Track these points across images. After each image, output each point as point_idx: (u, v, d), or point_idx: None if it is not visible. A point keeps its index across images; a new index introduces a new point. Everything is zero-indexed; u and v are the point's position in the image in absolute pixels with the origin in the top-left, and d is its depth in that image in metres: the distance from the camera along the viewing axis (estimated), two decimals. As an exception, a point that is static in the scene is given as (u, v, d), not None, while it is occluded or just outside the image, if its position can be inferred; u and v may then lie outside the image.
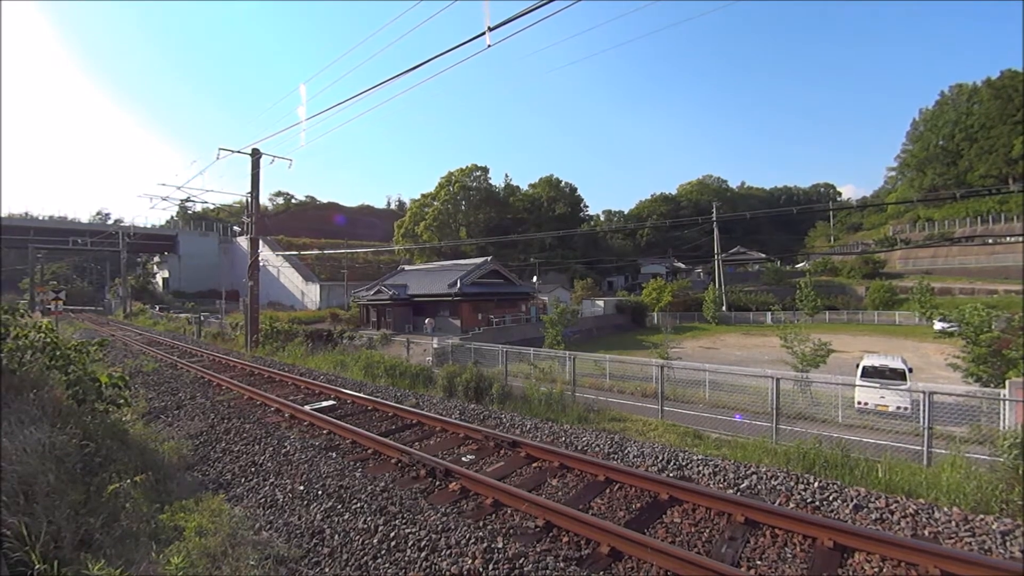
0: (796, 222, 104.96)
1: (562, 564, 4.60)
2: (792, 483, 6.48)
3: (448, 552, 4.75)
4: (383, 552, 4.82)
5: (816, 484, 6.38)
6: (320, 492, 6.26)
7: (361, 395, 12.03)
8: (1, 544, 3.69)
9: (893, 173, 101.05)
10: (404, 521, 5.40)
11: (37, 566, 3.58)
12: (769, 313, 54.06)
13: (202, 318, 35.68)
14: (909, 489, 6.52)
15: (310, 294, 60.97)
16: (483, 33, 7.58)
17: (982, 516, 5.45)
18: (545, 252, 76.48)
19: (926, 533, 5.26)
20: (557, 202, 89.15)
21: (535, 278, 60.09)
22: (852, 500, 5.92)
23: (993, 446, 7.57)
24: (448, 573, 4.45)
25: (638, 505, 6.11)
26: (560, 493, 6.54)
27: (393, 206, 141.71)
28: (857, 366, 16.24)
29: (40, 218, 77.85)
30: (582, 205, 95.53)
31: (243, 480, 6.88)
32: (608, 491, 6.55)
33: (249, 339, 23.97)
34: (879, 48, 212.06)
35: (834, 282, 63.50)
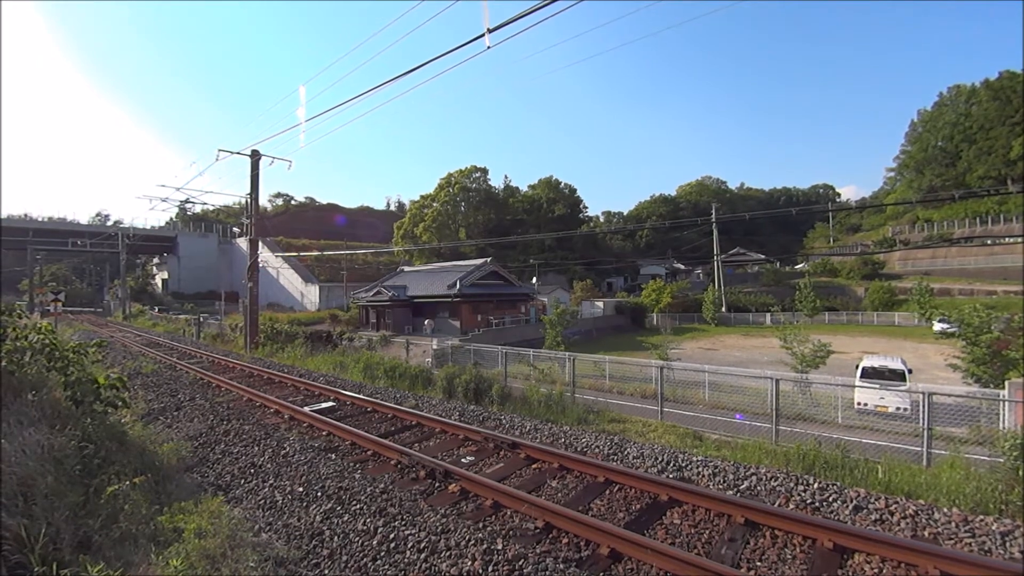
0: (795, 223, 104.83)
1: (562, 565, 4.60)
2: (792, 484, 6.48)
3: (448, 553, 4.75)
4: (383, 554, 4.82)
5: (816, 485, 6.39)
6: (319, 493, 6.26)
7: (361, 396, 12.03)
8: (0, 546, 3.68)
9: (892, 174, 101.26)
10: (404, 523, 5.40)
11: (36, 568, 3.58)
12: (768, 314, 54.00)
13: (201, 319, 35.62)
14: (909, 490, 6.52)
15: (309, 295, 60.98)
16: (482, 35, 7.58)
17: (982, 517, 5.45)
18: (544, 253, 76.41)
19: (926, 534, 5.26)
20: (556, 203, 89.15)
21: (534, 279, 60.13)
22: (852, 501, 5.92)
23: (993, 447, 7.58)
24: (448, 574, 4.45)
25: (638, 506, 6.10)
26: (560, 494, 6.54)
27: (393, 207, 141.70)
28: (857, 367, 16.23)
29: (39, 219, 77.62)
30: (581, 206, 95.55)
31: (242, 482, 6.88)
32: (608, 492, 6.54)
33: (248, 340, 23.97)
34: (878, 49, 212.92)
35: (833, 283, 63.57)
